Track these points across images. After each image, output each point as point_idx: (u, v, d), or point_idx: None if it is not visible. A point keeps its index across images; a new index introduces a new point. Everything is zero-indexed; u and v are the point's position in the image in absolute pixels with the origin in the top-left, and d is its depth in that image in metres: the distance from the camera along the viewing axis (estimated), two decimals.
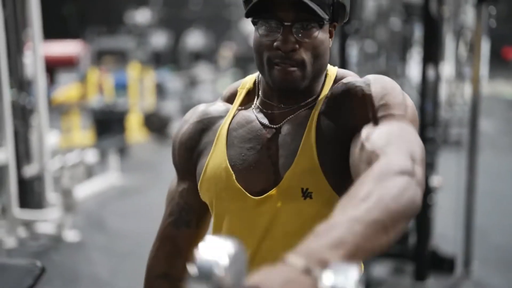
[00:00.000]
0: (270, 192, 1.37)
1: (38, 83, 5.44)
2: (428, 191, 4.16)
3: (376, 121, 1.27)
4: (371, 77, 1.36)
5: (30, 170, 5.42)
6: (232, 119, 1.47)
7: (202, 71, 13.12)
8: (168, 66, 16.74)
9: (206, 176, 1.44)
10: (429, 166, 4.23)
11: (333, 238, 0.90)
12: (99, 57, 11.17)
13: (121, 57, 11.72)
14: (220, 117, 1.49)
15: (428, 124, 4.30)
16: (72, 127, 9.04)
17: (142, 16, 16.17)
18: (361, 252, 0.91)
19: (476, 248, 4.49)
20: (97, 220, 5.89)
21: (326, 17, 1.31)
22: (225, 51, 15.40)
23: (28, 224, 5.31)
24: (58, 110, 8.74)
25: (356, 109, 1.32)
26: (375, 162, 1.12)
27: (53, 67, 9.47)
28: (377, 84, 1.34)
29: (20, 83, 5.40)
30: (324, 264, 0.84)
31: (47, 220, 5.30)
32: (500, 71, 15.75)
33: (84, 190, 6.31)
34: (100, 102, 8.84)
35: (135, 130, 9.33)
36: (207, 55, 17.72)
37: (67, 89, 10.18)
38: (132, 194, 6.80)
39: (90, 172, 6.19)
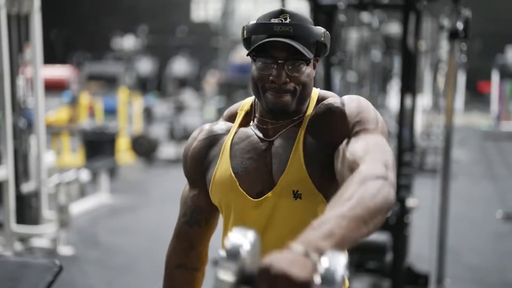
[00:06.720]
0: (267, 194, 1.69)
1: (37, 105, 5.70)
2: (404, 211, 4.47)
3: (354, 135, 1.59)
4: (347, 98, 1.69)
5: (28, 187, 5.66)
6: (234, 135, 1.78)
7: (188, 97, 13.48)
8: (153, 92, 17.05)
9: (215, 182, 1.76)
10: (406, 188, 4.56)
11: (325, 231, 1.20)
12: (88, 82, 11.47)
13: (109, 82, 12.04)
14: (224, 134, 1.81)
15: (405, 149, 4.65)
16: (62, 148, 9.31)
17: (128, 42, 16.50)
18: (347, 241, 1.23)
19: (448, 267, 4.81)
20: (90, 236, 6.14)
21: (312, 56, 1.65)
22: (209, 79, 15.76)
23: (24, 239, 5.55)
24: (48, 132, 8.96)
25: (337, 126, 1.63)
26: (356, 169, 1.42)
27: (46, 90, 9.73)
28: (353, 103, 1.65)
29: (15, 105, 5.59)
30: (319, 250, 1.16)
31: (43, 234, 5.55)
32: (475, 103, 16.26)
33: (77, 208, 6.57)
34: (91, 124, 9.14)
35: (123, 152, 9.61)
36: (192, 82, 18.09)
37: (57, 111, 10.43)
38: (122, 213, 7.06)
39: (83, 190, 6.47)
